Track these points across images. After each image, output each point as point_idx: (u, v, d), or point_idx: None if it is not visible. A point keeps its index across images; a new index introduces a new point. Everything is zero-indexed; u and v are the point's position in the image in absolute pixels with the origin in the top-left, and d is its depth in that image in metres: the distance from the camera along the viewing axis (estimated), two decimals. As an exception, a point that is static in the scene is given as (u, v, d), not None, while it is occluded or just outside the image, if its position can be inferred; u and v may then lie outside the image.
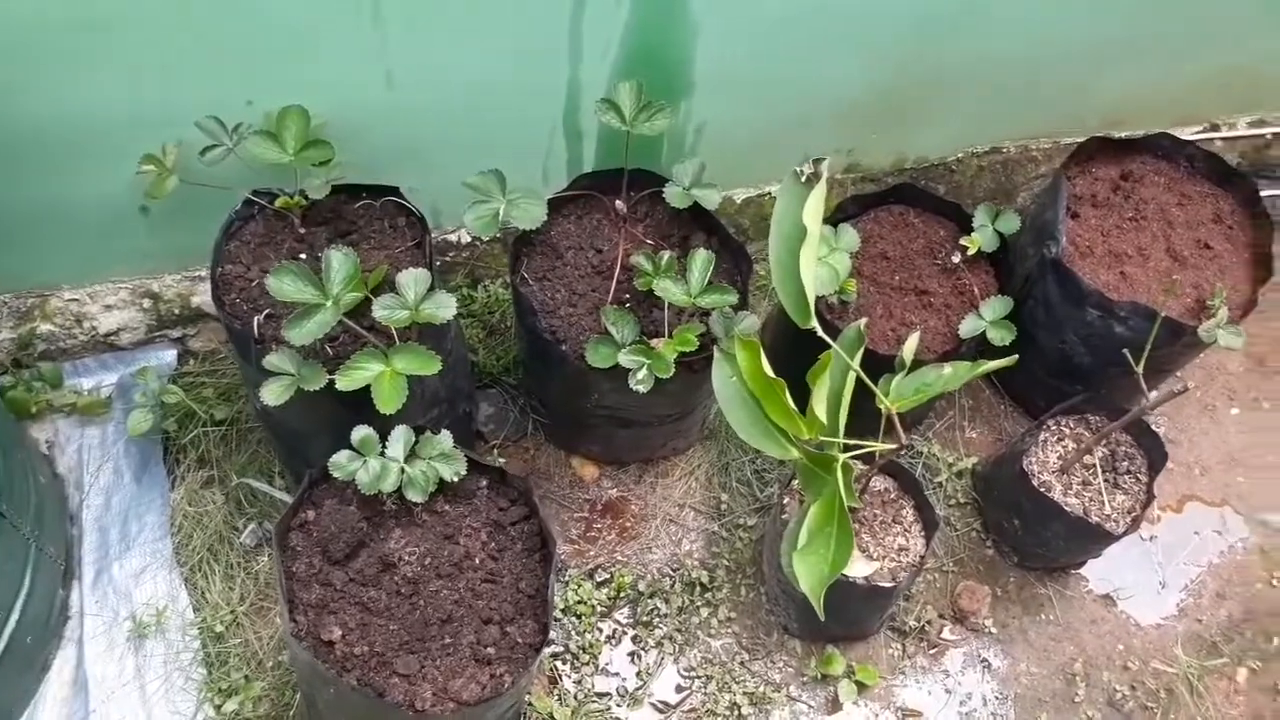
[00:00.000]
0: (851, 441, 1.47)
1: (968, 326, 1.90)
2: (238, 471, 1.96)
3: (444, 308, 1.54)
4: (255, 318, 1.62)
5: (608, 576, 2.01)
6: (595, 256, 1.86)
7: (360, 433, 1.51)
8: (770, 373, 1.46)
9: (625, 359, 1.66)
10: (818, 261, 1.86)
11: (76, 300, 2.03)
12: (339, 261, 1.49)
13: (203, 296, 2.08)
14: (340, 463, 1.49)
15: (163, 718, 1.76)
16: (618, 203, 1.84)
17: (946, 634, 2.02)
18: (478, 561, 1.55)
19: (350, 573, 1.50)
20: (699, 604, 2.00)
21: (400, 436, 1.52)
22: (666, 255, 1.76)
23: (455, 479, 1.53)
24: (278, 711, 1.78)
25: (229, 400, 2.03)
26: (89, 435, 2.02)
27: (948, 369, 1.59)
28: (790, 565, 1.49)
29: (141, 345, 2.12)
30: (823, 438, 1.45)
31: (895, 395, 1.58)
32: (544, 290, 1.82)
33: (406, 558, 1.52)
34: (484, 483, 1.61)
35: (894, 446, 1.53)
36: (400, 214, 1.80)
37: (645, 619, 1.97)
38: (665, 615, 1.98)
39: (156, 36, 1.56)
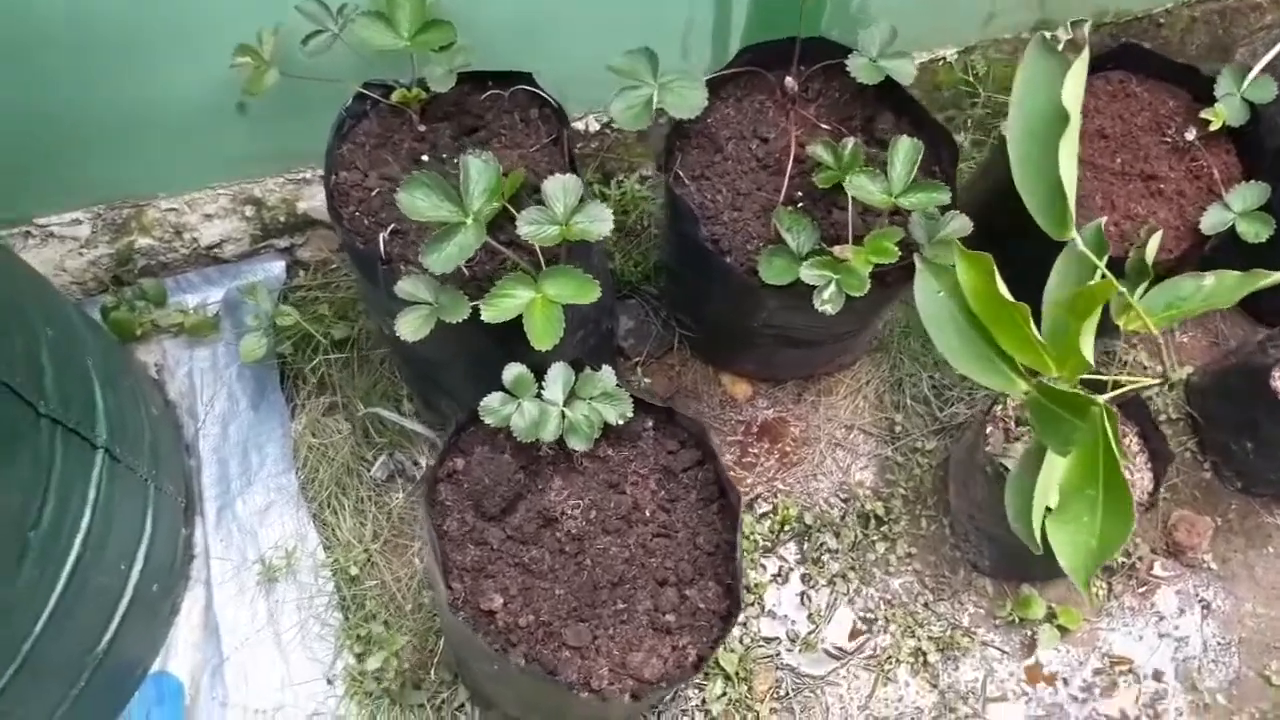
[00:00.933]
0: (1110, 378, 1.20)
1: (1212, 219, 1.57)
2: (362, 398, 1.78)
3: (599, 221, 1.29)
4: (380, 235, 1.40)
5: (770, 508, 1.80)
6: (760, 147, 1.58)
7: (513, 372, 1.29)
8: (1007, 293, 1.19)
9: (809, 274, 1.40)
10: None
11: (175, 210, 1.83)
12: (478, 170, 1.25)
13: (309, 202, 1.86)
14: (493, 407, 1.28)
15: (301, 665, 1.63)
16: (788, 79, 1.55)
17: (1158, 570, 1.78)
18: (648, 514, 1.34)
19: (508, 529, 1.31)
20: (874, 538, 1.78)
21: (559, 376, 1.30)
22: (851, 144, 1.46)
23: (620, 422, 1.31)
24: (422, 658, 1.64)
25: (346, 318, 1.83)
26: (199, 357, 1.85)
27: (1209, 279, 1.30)
28: (1020, 523, 1.25)
29: (247, 257, 1.93)
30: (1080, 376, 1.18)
31: (1143, 312, 1.30)
32: (702, 191, 1.56)
33: (569, 511, 1.32)
34: (649, 423, 1.39)
35: (1154, 382, 1.26)
36: (532, 105, 1.54)
37: (814, 555, 1.76)
38: (836, 551, 1.77)
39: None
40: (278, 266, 1.92)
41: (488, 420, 1.28)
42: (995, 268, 1.20)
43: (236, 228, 1.87)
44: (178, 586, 1.66)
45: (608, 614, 1.28)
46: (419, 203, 1.22)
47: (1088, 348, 1.15)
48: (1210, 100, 1.65)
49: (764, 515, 1.80)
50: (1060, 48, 1.12)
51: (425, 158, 1.51)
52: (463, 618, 1.23)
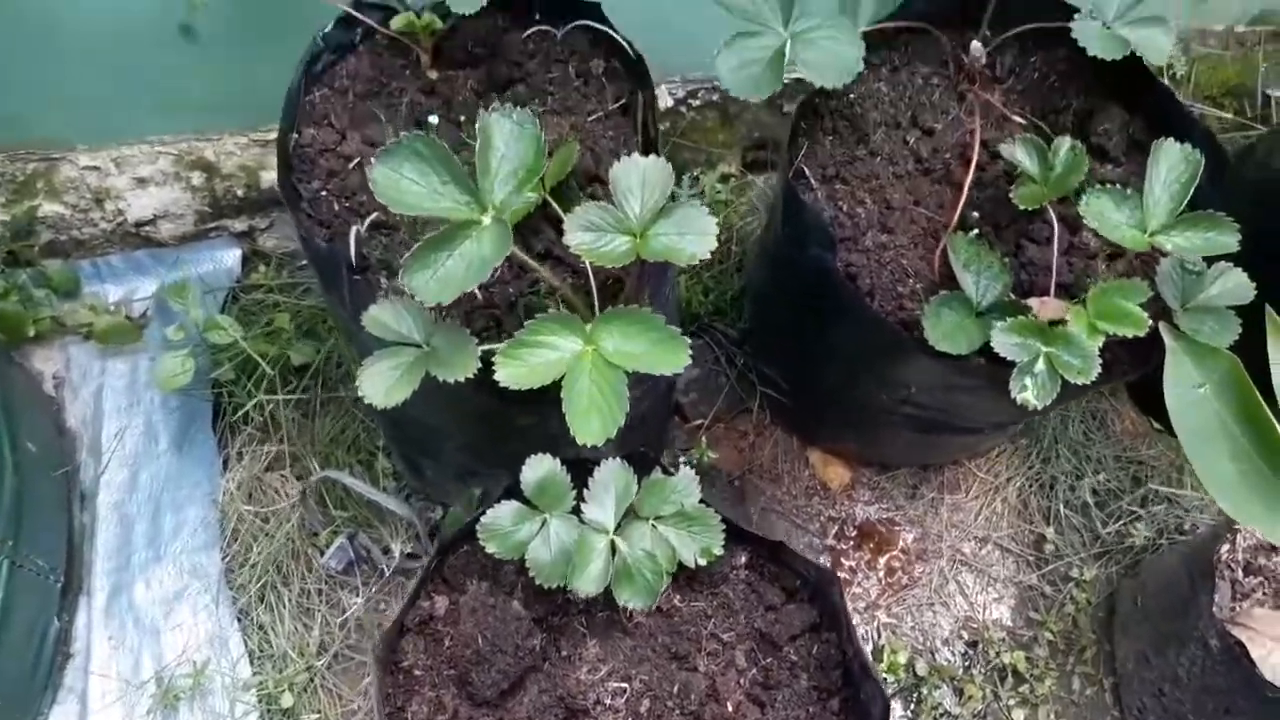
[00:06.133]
0: None
1: None
2: (321, 451, 1.29)
3: (696, 234, 0.80)
4: (354, 228, 0.91)
5: (868, 647, 1.31)
6: (923, 142, 1.09)
7: (537, 472, 0.80)
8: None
9: (1005, 342, 0.90)
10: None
11: (96, 168, 1.36)
12: (507, 135, 0.76)
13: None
14: (501, 527, 0.79)
15: (200, 831, 1.15)
16: (973, 45, 1.05)
17: None
18: (731, 708, 0.85)
19: (507, 721, 0.82)
20: (1010, 701, 1.29)
21: (612, 481, 0.80)
22: (1068, 145, 0.97)
23: (703, 563, 0.82)
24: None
25: (314, 336, 1.34)
26: (113, 372, 1.38)
27: None
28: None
29: (190, 240, 1.45)
30: None
31: None
32: (836, 200, 1.06)
33: (607, 698, 0.83)
34: (742, 559, 0.90)
35: None
36: (595, 53, 1.06)
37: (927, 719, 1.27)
38: (957, 718, 1.27)
39: None
40: (231, 256, 1.44)
41: (490, 548, 0.79)
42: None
43: (178, 200, 1.40)
44: (37, 702, 1.17)
45: None
46: (407, 184, 0.74)
47: None
48: None
49: (860, 655, 1.30)
50: None
51: (434, 119, 1.03)
52: None
